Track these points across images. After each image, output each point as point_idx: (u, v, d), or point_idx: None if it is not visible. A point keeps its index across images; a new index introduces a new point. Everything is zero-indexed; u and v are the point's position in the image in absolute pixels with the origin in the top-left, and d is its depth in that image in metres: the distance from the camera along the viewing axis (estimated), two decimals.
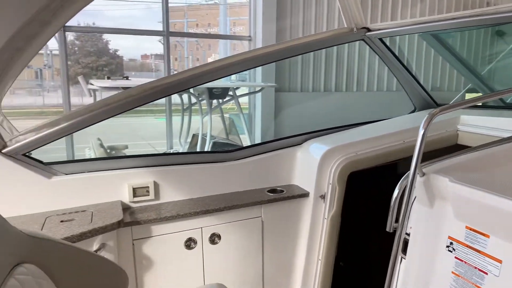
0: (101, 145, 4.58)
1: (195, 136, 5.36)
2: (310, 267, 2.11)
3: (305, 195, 2.10)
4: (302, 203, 2.11)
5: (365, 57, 7.13)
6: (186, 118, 6.09)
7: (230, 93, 5.12)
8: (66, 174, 1.84)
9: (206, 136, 4.86)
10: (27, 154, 1.78)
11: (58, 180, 1.79)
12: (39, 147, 1.81)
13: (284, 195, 2.08)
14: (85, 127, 1.84)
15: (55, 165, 1.85)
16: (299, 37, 2.20)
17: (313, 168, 2.05)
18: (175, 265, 1.86)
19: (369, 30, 2.25)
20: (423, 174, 1.34)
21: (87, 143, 4.95)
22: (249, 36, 6.88)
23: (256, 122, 6.58)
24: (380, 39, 2.27)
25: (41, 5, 1.61)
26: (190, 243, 1.88)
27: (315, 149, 2.14)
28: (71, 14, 1.79)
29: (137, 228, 1.78)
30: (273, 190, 2.13)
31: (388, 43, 2.37)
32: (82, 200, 1.83)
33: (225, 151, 2.19)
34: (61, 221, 1.66)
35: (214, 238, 1.94)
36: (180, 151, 5.46)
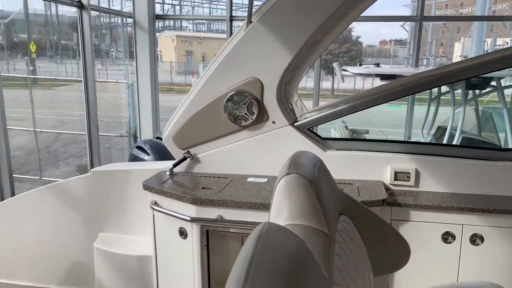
0: (346, 128, 4.94)
1: (440, 129, 4.98)
2: None
3: None
4: None
5: None
6: (429, 108, 5.72)
7: (493, 83, 4.44)
8: (337, 150, 2.12)
9: (454, 130, 4.44)
10: (310, 128, 2.16)
11: (331, 154, 2.09)
12: (320, 124, 2.15)
13: None
14: (359, 111, 2.05)
15: (329, 140, 2.16)
16: None
17: None
18: (429, 255, 1.87)
19: None
20: None
21: (332, 124, 5.44)
22: None
23: None
24: None
25: (341, 2, 1.88)
26: (447, 237, 1.84)
27: None
28: (361, 9, 2.01)
29: (396, 210, 1.88)
30: None
31: None
32: (348, 174, 2.07)
33: (497, 149, 1.98)
34: None
35: (476, 239, 1.82)
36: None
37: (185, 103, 2.14)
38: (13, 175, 3.82)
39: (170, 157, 2.59)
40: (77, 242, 2.41)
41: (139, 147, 3.40)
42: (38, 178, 6.83)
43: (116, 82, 6.97)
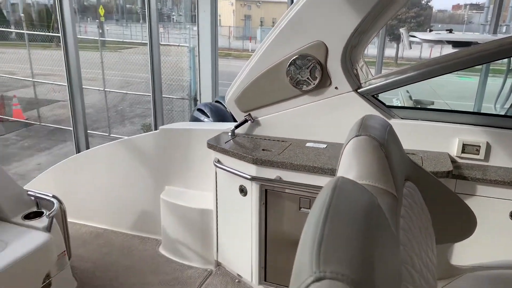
0: (410, 98, 4.70)
1: None
2: None
3: None
4: None
5: None
6: (505, 80, 5.23)
7: None
8: (402, 119, 2.05)
9: None
10: (375, 95, 2.10)
11: (395, 122, 2.03)
12: (385, 91, 2.09)
13: None
14: (428, 79, 1.95)
15: (394, 109, 2.09)
16: None
17: None
18: (494, 231, 1.80)
19: None
20: None
21: (394, 94, 5.20)
22: None
23: None
24: None
25: None
26: None
27: None
28: None
29: (461, 183, 1.81)
30: None
31: None
32: (412, 144, 2.01)
33: None
34: None
35: None
36: None
37: (248, 66, 2.17)
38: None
39: (228, 121, 2.67)
40: (146, 192, 2.63)
41: (199, 110, 3.55)
42: (107, 134, 7.40)
43: (179, 45, 7.17)
